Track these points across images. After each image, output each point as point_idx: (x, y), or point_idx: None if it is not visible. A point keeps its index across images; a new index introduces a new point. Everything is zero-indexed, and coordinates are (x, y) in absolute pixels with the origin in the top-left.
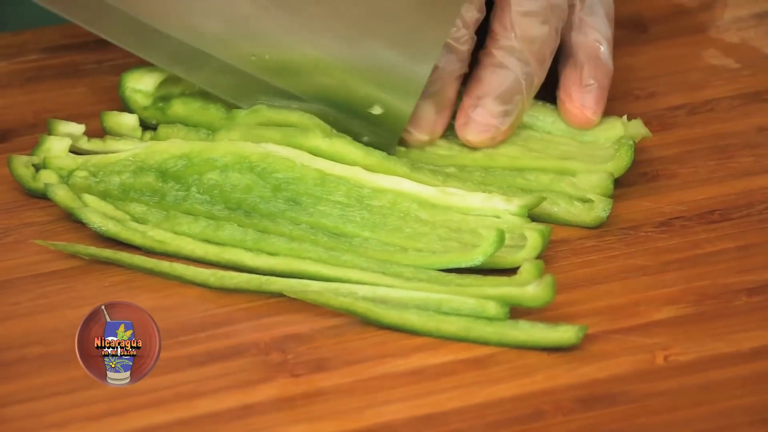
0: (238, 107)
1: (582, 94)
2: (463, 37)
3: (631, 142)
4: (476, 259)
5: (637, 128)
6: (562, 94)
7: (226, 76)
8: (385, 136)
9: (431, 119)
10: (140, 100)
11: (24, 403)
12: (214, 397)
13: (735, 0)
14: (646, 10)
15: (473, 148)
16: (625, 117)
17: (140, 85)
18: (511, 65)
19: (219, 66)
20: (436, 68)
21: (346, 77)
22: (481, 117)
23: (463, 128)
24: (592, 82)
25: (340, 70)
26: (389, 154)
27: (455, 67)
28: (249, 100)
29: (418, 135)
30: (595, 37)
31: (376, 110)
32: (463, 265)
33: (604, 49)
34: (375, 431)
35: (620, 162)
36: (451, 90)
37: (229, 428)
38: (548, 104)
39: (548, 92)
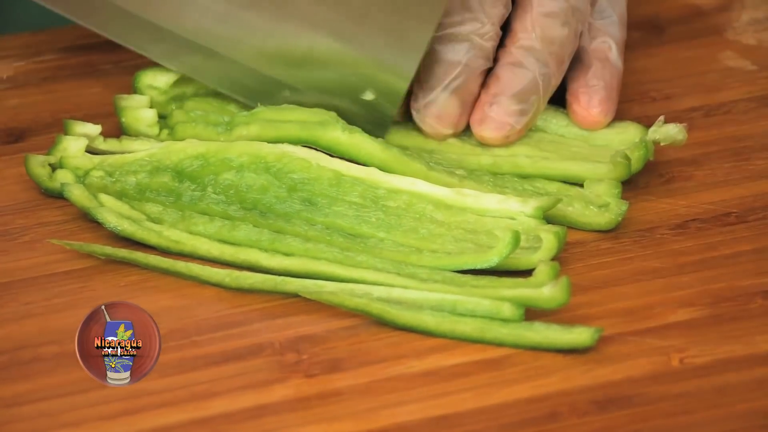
0: (250, 107)
1: (588, 95)
2: (488, 33)
3: (647, 145)
4: (491, 260)
5: (674, 132)
6: (569, 96)
7: (223, 69)
8: (378, 121)
9: (455, 114)
10: (155, 97)
11: (38, 403)
12: (228, 397)
13: (752, 2)
14: (663, 11)
15: (482, 150)
16: (662, 118)
17: (155, 82)
18: (530, 65)
19: (215, 59)
20: (459, 63)
21: (338, 65)
22: (497, 114)
23: (479, 125)
24: (596, 82)
25: (333, 58)
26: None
27: (479, 62)
28: (248, 94)
29: (441, 129)
30: (603, 39)
31: (369, 96)
32: (479, 267)
33: (613, 51)
34: None
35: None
36: (474, 85)
37: (244, 428)
38: (560, 108)
39: (561, 97)
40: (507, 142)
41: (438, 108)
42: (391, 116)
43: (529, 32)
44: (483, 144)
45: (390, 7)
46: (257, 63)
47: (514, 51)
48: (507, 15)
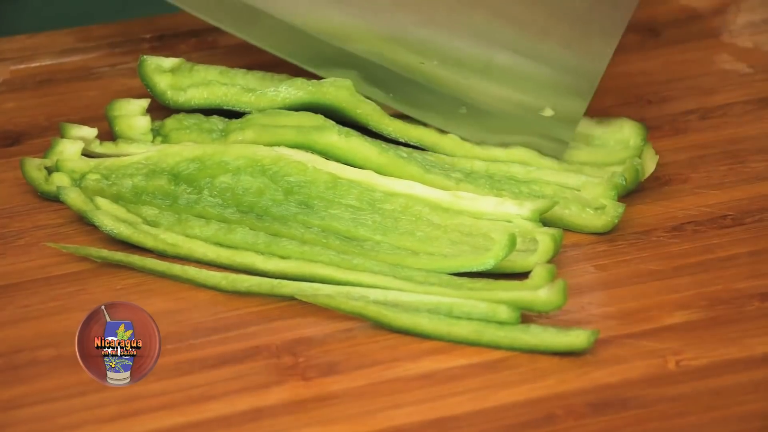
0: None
1: None
2: None
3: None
4: (488, 262)
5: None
6: None
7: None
8: (556, 140)
9: None
10: (158, 83)
11: (36, 406)
12: (225, 400)
13: (748, 5)
14: (659, 15)
15: (475, 155)
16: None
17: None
18: None
19: (386, 73)
20: None
21: (518, 79)
22: None
23: None
24: None
25: (514, 72)
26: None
27: None
28: (424, 113)
29: None
30: None
31: (548, 112)
32: (475, 269)
33: None
34: None
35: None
36: None
37: (241, 431)
38: None
39: None
40: None
41: None
42: (570, 134)
43: None
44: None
45: (573, 21)
46: (433, 81)
47: None
48: None
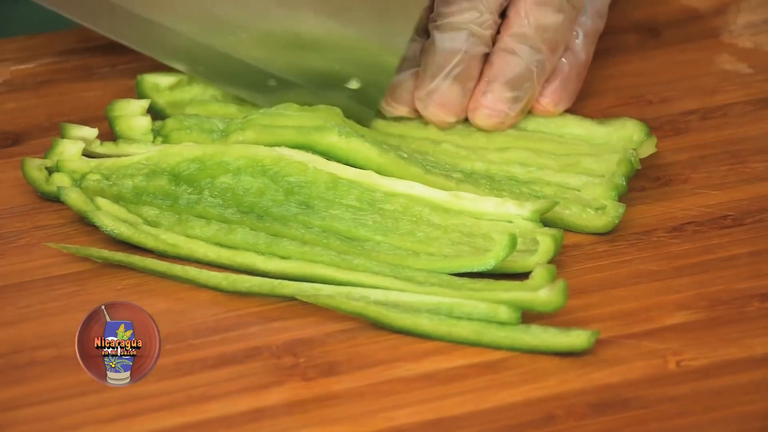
0: (252, 105)
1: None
2: (486, 22)
3: (632, 156)
4: (488, 263)
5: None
6: None
7: (215, 63)
8: (364, 110)
9: (458, 100)
10: (157, 100)
11: (36, 406)
12: (225, 401)
13: (748, 5)
14: (659, 15)
15: (475, 155)
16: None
17: (159, 82)
18: (522, 53)
19: (207, 51)
20: (459, 51)
21: (324, 52)
22: (491, 102)
23: (473, 113)
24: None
25: (318, 46)
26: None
27: (479, 49)
28: (239, 87)
29: (445, 116)
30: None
31: (354, 84)
32: (475, 269)
33: (579, 40)
34: None
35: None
36: (476, 71)
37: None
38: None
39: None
40: (502, 128)
41: (441, 96)
42: (376, 105)
43: (522, 19)
44: (476, 147)
45: None
46: (242, 52)
47: (507, 39)
48: (505, 4)
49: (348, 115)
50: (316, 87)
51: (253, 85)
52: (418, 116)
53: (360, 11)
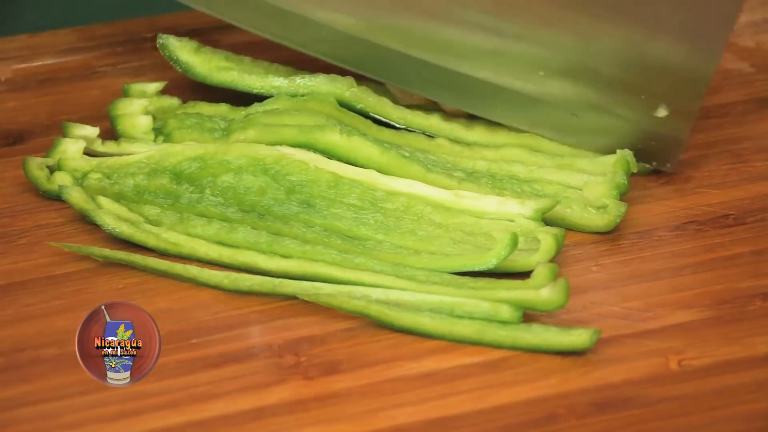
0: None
1: None
2: None
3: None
4: (490, 262)
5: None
6: None
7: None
8: (667, 143)
9: None
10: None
11: (38, 405)
12: (227, 400)
13: (748, 5)
14: None
15: (477, 154)
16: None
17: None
18: None
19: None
20: None
21: (628, 78)
22: None
23: None
24: None
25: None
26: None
27: None
28: (535, 125)
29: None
30: None
31: (661, 112)
32: (477, 268)
33: None
34: None
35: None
36: None
37: (242, 430)
38: None
39: None
40: None
41: None
42: (684, 136)
43: None
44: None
45: (682, 15)
46: (547, 93)
47: None
48: None
49: (647, 147)
50: (614, 118)
51: (556, 125)
52: (428, 103)
53: (668, 32)
